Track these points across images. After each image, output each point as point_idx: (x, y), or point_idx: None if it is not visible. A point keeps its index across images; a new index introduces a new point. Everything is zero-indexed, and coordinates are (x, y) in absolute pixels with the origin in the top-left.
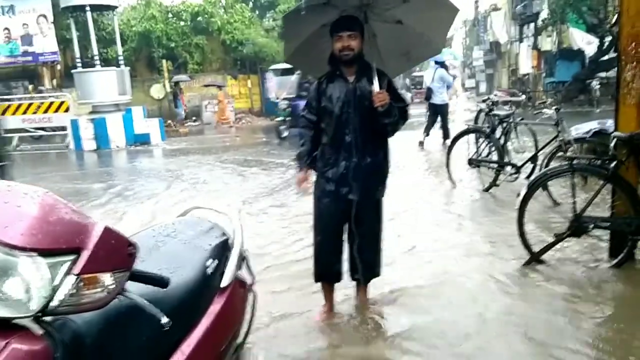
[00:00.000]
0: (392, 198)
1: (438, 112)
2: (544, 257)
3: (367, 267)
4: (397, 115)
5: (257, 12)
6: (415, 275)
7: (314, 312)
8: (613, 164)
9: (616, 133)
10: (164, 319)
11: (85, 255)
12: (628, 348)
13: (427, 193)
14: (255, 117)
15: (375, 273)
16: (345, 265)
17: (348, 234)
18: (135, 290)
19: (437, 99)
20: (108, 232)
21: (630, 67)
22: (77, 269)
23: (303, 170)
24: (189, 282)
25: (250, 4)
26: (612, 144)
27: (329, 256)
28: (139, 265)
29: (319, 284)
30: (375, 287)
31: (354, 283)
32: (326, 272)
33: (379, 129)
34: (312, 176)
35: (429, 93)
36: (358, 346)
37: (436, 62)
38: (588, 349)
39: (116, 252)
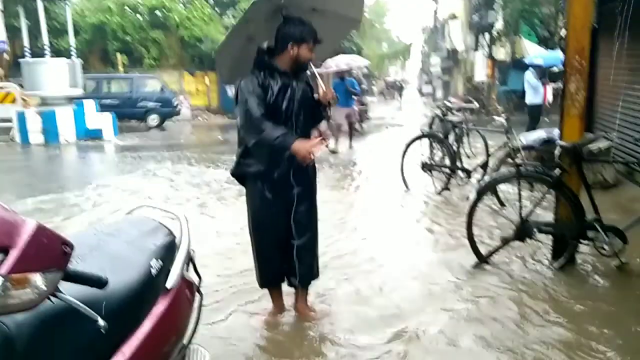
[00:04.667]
0: (346, 198)
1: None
2: (492, 259)
3: (307, 269)
4: None
5: (217, 9)
6: (366, 276)
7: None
8: (557, 172)
9: (560, 142)
10: (101, 322)
11: (13, 254)
12: (569, 344)
13: (381, 196)
14: (212, 115)
15: (315, 274)
16: None
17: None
18: (73, 291)
19: (527, 100)
20: (40, 231)
21: (574, 79)
22: (5, 268)
23: (300, 140)
24: (132, 282)
25: (211, 0)
26: (556, 153)
27: (274, 260)
28: (79, 265)
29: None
30: (325, 291)
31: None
32: (273, 276)
33: (314, 124)
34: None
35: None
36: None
37: (530, 65)
38: (534, 345)
39: (48, 251)
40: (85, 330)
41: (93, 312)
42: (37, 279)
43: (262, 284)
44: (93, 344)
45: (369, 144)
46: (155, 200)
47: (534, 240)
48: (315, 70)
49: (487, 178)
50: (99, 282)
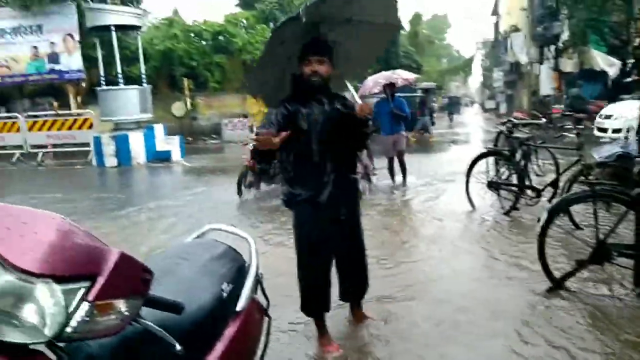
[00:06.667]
0: (411, 220)
1: None
2: (567, 284)
3: (361, 286)
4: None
5: None
6: (433, 297)
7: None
8: (637, 191)
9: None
10: (178, 346)
11: (100, 281)
12: None
13: (446, 216)
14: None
15: (366, 288)
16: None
17: (336, 260)
18: (149, 315)
19: None
20: (123, 259)
21: None
22: (92, 295)
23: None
24: (204, 306)
25: (271, 24)
26: (636, 170)
27: (324, 288)
28: (154, 289)
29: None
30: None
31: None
32: (323, 305)
33: (356, 143)
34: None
35: None
36: None
37: None
38: None
39: (131, 278)
40: (162, 354)
41: (171, 337)
42: (121, 305)
43: (314, 314)
44: None
45: (428, 160)
46: (222, 221)
47: (614, 264)
48: (350, 85)
49: (559, 197)
50: (175, 308)
